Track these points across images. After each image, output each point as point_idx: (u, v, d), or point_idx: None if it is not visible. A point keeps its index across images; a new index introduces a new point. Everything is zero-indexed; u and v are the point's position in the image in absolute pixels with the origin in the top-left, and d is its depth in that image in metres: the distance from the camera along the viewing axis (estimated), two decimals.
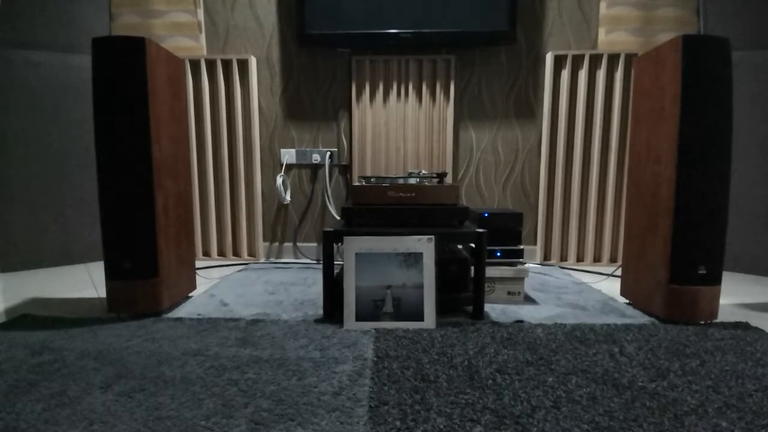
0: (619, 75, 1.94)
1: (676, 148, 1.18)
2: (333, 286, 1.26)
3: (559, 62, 1.98)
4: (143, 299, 1.25)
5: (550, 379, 0.90)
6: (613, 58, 1.95)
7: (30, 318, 1.27)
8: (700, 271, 1.20)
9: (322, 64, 2.05)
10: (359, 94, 2.02)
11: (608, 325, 1.21)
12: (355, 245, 1.19)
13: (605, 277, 1.82)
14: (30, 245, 1.92)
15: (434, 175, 1.41)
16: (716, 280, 1.22)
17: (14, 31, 1.85)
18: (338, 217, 2.11)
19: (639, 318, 1.28)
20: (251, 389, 0.86)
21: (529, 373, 0.92)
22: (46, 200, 1.93)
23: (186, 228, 1.42)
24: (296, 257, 2.15)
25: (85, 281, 1.70)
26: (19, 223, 1.89)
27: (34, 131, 1.89)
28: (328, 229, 1.23)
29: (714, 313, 1.23)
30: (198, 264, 2.00)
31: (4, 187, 1.86)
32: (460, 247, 1.56)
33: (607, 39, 1.97)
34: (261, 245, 2.12)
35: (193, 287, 1.50)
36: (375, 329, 1.17)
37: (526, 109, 2.04)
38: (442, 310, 1.30)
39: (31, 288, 1.62)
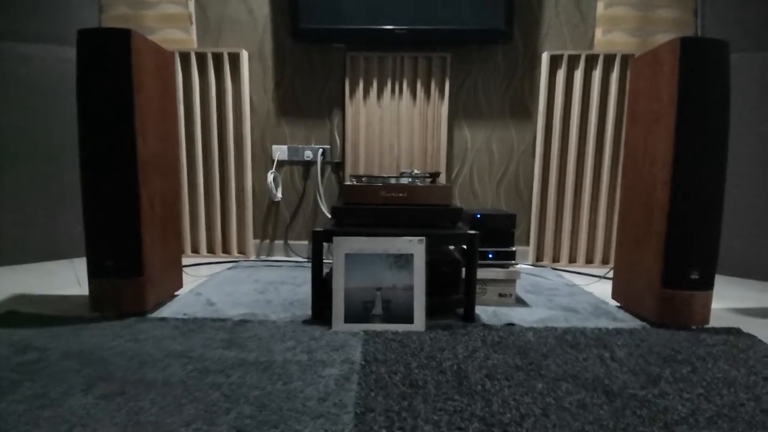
0: (615, 76, 1.93)
1: (672, 151, 1.16)
2: (322, 286, 1.24)
3: (555, 62, 1.96)
4: (127, 298, 1.23)
5: (540, 385, 0.88)
6: (609, 59, 1.94)
7: (15, 315, 1.24)
8: (693, 276, 1.20)
9: (316, 60, 2.02)
10: (353, 90, 1.99)
11: (599, 328, 1.20)
12: (344, 245, 1.17)
13: (597, 279, 1.81)
14: (17, 240, 1.88)
15: (427, 175, 1.39)
16: (709, 285, 1.22)
17: (4, 24, 1.80)
18: (330, 216, 2.09)
19: (630, 322, 1.27)
20: (234, 394, 0.83)
21: (519, 378, 0.91)
22: (34, 194, 1.89)
23: (173, 225, 1.39)
24: (287, 255, 2.13)
25: (72, 278, 1.67)
26: (6, 218, 1.85)
27: (23, 125, 1.85)
28: (317, 229, 1.21)
29: (706, 318, 1.23)
30: (186, 261, 1.97)
31: None
32: (452, 247, 1.54)
33: (604, 39, 1.95)
34: (251, 243, 2.10)
35: (180, 285, 1.47)
36: (364, 331, 1.15)
37: (521, 108, 2.03)
38: (432, 312, 1.28)
39: (17, 283, 1.59)
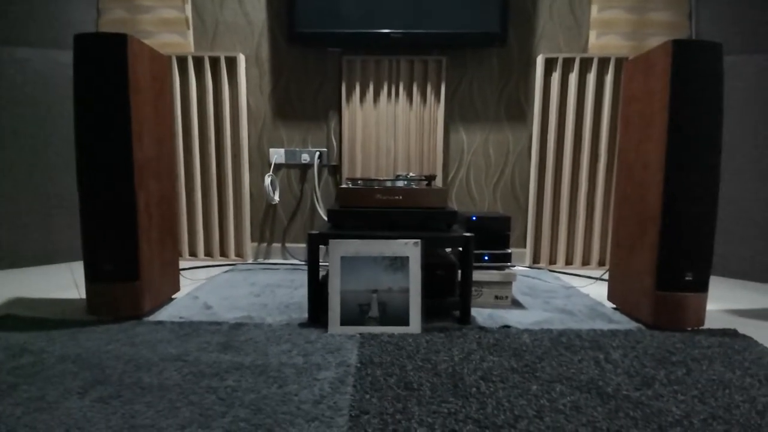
0: (609, 79, 1.94)
1: (665, 154, 1.17)
2: (318, 289, 1.24)
3: (549, 65, 1.97)
4: (124, 302, 1.23)
5: (535, 387, 0.89)
6: (603, 62, 1.95)
7: (12, 319, 1.24)
8: (687, 278, 1.20)
9: (312, 63, 2.03)
10: (349, 94, 2.00)
11: (594, 330, 1.20)
12: (340, 248, 1.18)
13: (593, 281, 1.82)
14: (15, 243, 1.88)
15: (422, 178, 1.39)
16: (703, 287, 1.22)
17: (1, 28, 1.80)
18: (326, 219, 2.09)
19: (625, 323, 1.28)
20: (230, 397, 0.84)
21: (514, 380, 0.91)
22: (31, 198, 1.89)
23: (170, 229, 1.40)
24: (284, 258, 2.13)
25: (69, 281, 1.67)
26: (3, 221, 1.85)
27: (20, 128, 1.85)
28: (313, 232, 1.21)
29: (701, 320, 1.23)
30: (184, 264, 1.97)
31: None
32: (448, 250, 1.55)
33: (598, 42, 1.97)
34: (249, 246, 2.10)
35: (177, 289, 1.47)
36: (360, 334, 1.15)
37: (516, 111, 2.04)
38: (428, 314, 1.28)
39: (15, 287, 1.59)
